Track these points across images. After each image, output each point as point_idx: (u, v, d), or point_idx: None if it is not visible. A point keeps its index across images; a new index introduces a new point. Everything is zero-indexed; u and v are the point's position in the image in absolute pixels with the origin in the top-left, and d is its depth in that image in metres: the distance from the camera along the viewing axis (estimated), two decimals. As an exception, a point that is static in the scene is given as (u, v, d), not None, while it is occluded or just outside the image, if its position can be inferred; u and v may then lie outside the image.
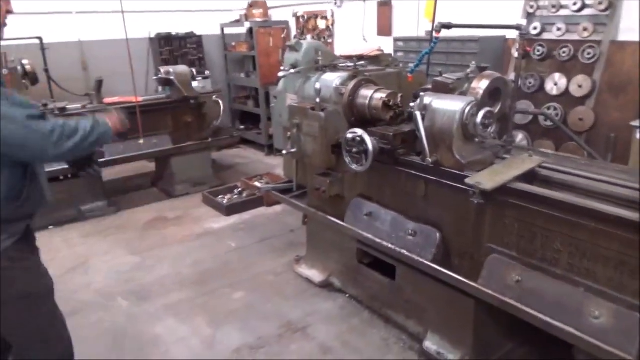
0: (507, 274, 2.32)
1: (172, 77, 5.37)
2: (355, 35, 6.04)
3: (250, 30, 7.21)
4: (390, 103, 2.90)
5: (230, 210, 4.97)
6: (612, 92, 3.82)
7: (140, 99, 5.21)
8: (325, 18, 6.52)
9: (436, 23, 2.87)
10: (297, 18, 6.98)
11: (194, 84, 5.83)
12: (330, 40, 6.52)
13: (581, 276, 2.09)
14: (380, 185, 3.00)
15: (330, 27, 6.48)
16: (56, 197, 4.68)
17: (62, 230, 4.76)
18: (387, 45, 5.03)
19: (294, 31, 7.16)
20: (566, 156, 2.87)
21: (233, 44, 7.58)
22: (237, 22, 7.43)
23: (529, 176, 2.39)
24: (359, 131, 2.73)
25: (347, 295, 3.37)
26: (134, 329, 3.13)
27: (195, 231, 4.63)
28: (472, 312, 2.54)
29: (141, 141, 5.11)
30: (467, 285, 2.40)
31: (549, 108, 3.96)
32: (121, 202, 5.34)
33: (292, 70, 3.31)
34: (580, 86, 3.81)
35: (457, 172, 2.48)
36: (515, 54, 4.16)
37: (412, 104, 2.77)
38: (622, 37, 3.74)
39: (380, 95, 2.93)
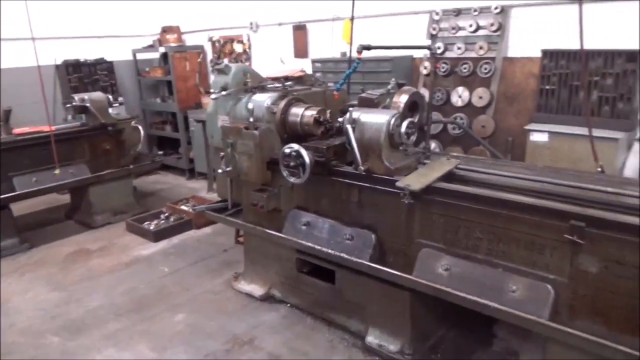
0: (437, 264, 2.60)
1: (87, 104, 5.20)
2: (273, 58, 6.26)
3: (165, 55, 7.16)
4: (321, 119, 3.12)
5: (158, 235, 4.87)
6: (507, 101, 4.38)
7: (53, 127, 4.98)
8: (241, 42, 6.67)
9: (357, 45, 3.14)
10: (213, 42, 7.06)
11: (110, 110, 5.67)
12: (247, 64, 6.67)
13: (499, 258, 2.41)
14: (316, 195, 3.19)
15: (247, 50, 6.64)
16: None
17: (-28, 271, 4.37)
18: (305, 66, 5.30)
19: (210, 55, 7.23)
20: (476, 158, 3.26)
21: (147, 69, 7.46)
22: (151, 47, 7.34)
23: (449, 176, 2.71)
24: (295, 146, 2.91)
25: (289, 305, 3.48)
26: (72, 363, 2.99)
27: (123, 260, 4.49)
28: (408, 304, 2.78)
29: (57, 171, 4.90)
30: (403, 279, 2.64)
31: (455, 118, 4.42)
32: (35, 238, 5.01)
33: (224, 93, 3.41)
34: (480, 97, 4.31)
35: (387, 177, 2.73)
36: (424, 71, 4.63)
37: (340, 119, 3.01)
38: (512, 53, 4.32)
39: (311, 113, 3.14)
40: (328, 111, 3.19)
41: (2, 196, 4.58)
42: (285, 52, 6.16)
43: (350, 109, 2.88)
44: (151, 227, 4.98)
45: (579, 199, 2.28)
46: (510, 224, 2.34)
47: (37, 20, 6.45)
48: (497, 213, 2.37)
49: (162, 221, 5.16)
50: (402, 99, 3.00)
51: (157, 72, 7.28)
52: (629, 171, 3.79)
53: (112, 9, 7.32)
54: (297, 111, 3.22)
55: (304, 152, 2.88)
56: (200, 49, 7.19)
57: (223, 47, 6.94)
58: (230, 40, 6.81)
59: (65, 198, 5.85)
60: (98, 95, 5.39)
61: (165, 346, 3.13)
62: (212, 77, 7.24)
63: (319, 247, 3.02)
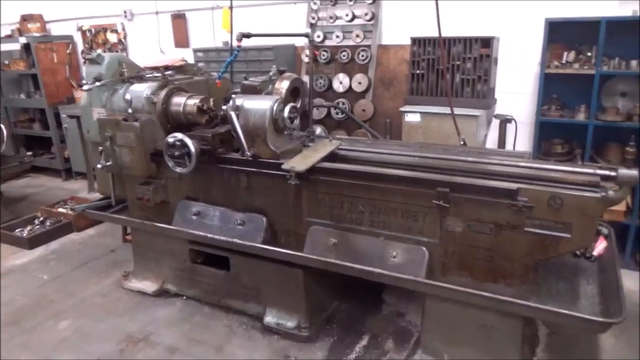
0: (325, 239, 2.75)
1: None
2: (152, 47, 5.99)
3: (27, 46, 6.49)
4: (204, 107, 3.09)
5: (33, 242, 4.47)
6: (384, 86, 4.68)
7: None
8: (115, 31, 6.29)
9: (236, 33, 3.15)
10: (84, 32, 6.56)
11: (-36, 108, 5.05)
12: (124, 54, 6.31)
13: (380, 228, 2.62)
14: (205, 184, 3.17)
15: (123, 40, 6.28)
16: None
17: None
18: (186, 57, 5.16)
19: (80, 46, 6.71)
20: (357, 139, 3.47)
21: (6, 62, 6.71)
22: (9, 38, 6.61)
23: (332, 156, 2.86)
24: (179, 135, 2.86)
25: (185, 297, 3.43)
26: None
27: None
28: (302, 280, 2.89)
29: None
30: (294, 257, 2.75)
31: (338, 103, 4.62)
32: None
33: (98, 84, 3.22)
34: (359, 83, 4.56)
35: (274, 161, 2.81)
36: (306, 59, 4.76)
37: (224, 107, 3.02)
38: (385, 41, 4.63)
39: (194, 101, 3.10)
40: (211, 99, 3.17)
41: None
42: (165, 42, 5.94)
43: (234, 96, 2.90)
44: (24, 234, 4.56)
45: (444, 169, 2.55)
46: (387, 196, 2.55)
47: None
48: (375, 187, 2.57)
49: (37, 226, 4.74)
50: (283, 85, 3.09)
51: (18, 65, 6.58)
52: (490, 143, 4.30)
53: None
54: (179, 100, 3.15)
55: (188, 141, 2.84)
56: (69, 39, 6.64)
57: (95, 37, 6.48)
58: (104, 29, 6.38)
59: None
60: (-54, 91, 4.76)
61: (49, 355, 2.92)
62: (84, 69, 6.75)
63: (211, 236, 3.02)
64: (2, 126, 5.12)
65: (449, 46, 4.04)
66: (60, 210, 4.98)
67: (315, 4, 4.80)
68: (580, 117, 3.77)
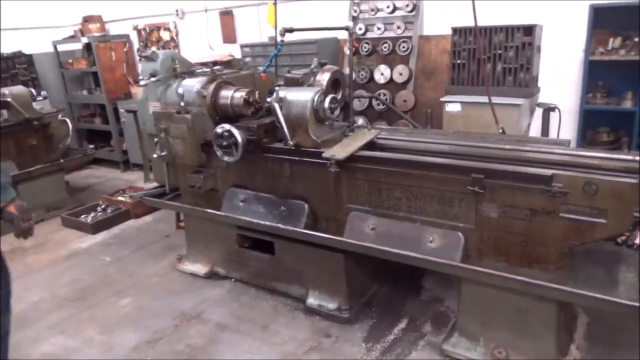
0: (364, 225, 2.87)
1: (8, 99, 5.03)
2: (201, 44, 6.28)
3: (88, 46, 6.96)
4: (250, 100, 3.27)
5: (96, 227, 4.85)
6: (425, 76, 4.72)
7: (-28, 124, 4.79)
8: (168, 29, 6.63)
9: (280, 28, 3.31)
10: (139, 31, 6.95)
11: (34, 105, 5.50)
12: (176, 51, 6.64)
13: (417, 214, 2.72)
14: (251, 173, 3.36)
15: (175, 37, 6.61)
16: None
17: None
18: (234, 52, 5.39)
19: (136, 44, 7.11)
20: (396, 128, 3.56)
21: (70, 61, 7.22)
22: (72, 38, 7.10)
23: (370, 145, 2.96)
24: (227, 126, 3.06)
25: (233, 280, 3.65)
26: (19, 353, 3.01)
27: (62, 253, 4.45)
28: (342, 264, 3.03)
29: (-19, 170, 4.71)
30: (335, 241, 2.89)
31: (379, 94, 4.71)
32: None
33: (153, 79, 3.47)
34: (401, 74, 4.63)
35: (315, 150, 2.95)
36: (347, 51, 4.86)
37: (269, 99, 3.19)
38: (426, 31, 4.66)
39: (241, 94, 3.29)
40: (257, 92, 3.35)
41: None
42: (213, 38, 6.21)
43: (277, 88, 3.06)
44: (88, 220, 4.95)
45: (480, 156, 2.60)
46: (423, 182, 2.64)
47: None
48: (411, 173, 2.66)
49: (100, 213, 5.12)
50: (324, 77, 3.22)
51: (81, 63, 7.06)
52: (534, 132, 4.26)
53: (27, -1, 6.99)
54: (226, 93, 3.35)
55: (235, 132, 3.03)
56: (126, 38, 7.05)
57: (149, 36, 6.85)
58: (157, 28, 6.74)
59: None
60: (20, 89, 5.22)
61: (113, 328, 3.21)
62: (140, 66, 7.15)
63: (256, 221, 3.21)
64: (68, 120, 5.55)
65: (490, 35, 4.03)
66: (120, 198, 5.35)
67: (357, -3, 4.89)
68: (627, 104, 3.69)
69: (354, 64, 4.96)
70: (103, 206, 5.25)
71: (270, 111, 3.20)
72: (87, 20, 7.02)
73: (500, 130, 3.13)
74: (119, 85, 6.94)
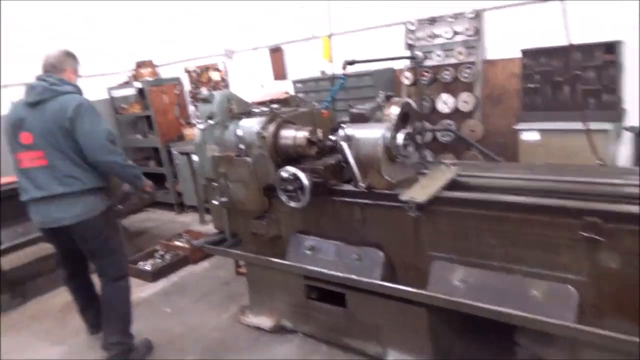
0: (451, 276, 2.54)
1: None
2: (252, 82, 6.22)
3: (141, 90, 7.07)
4: (313, 139, 3.06)
5: (156, 275, 4.72)
6: (492, 103, 4.40)
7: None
8: (217, 70, 6.63)
9: (342, 61, 3.11)
10: (189, 73, 7.00)
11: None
12: (232, 91, 6.61)
13: (515, 263, 2.36)
14: (317, 218, 3.11)
15: (225, 77, 6.60)
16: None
17: (-38, 334, 4.16)
18: (285, 89, 5.28)
19: (187, 86, 7.17)
20: (473, 163, 3.23)
21: (124, 106, 7.35)
22: (126, 84, 7.25)
23: (452, 184, 2.66)
24: (292, 169, 2.84)
25: (302, 334, 3.37)
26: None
27: (122, 305, 4.32)
28: (426, 320, 2.70)
29: (43, 220, 4.72)
30: (419, 295, 2.57)
31: (443, 125, 4.41)
32: (26, 292, 4.82)
33: (211, 122, 3.33)
34: (466, 102, 4.33)
35: (389, 192, 2.68)
36: (406, 82, 4.62)
37: (333, 137, 2.98)
38: (491, 55, 4.35)
39: (303, 133, 3.08)
40: (320, 130, 3.14)
41: (-14, 252, 4.42)
42: (263, 75, 6.13)
43: (343, 125, 2.84)
44: (147, 267, 4.84)
45: (588, 194, 2.25)
46: (521, 227, 2.30)
47: (5, 66, 6.41)
48: (507, 217, 2.33)
49: (158, 260, 5.01)
50: (393, 111, 2.96)
51: (135, 108, 7.17)
52: (623, 161, 3.82)
53: (85, 48, 7.19)
54: (288, 133, 3.16)
55: (301, 175, 2.81)
56: (177, 81, 7.12)
57: (200, 77, 6.89)
58: (207, 69, 6.77)
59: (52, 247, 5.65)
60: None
61: (177, 392, 2.99)
62: (191, 108, 7.20)
63: (326, 271, 2.94)
64: (124, 166, 5.54)
65: (566, 55, 3.69)
66: (177, 243, 5.24)
67: (412, 24, 4.67)
68: None
69: (413, 94, 4.70)
70: (161, 252, 5.14)
71: (334, 150, 2.99)
72: (139, 65, 7.16)
73: (599, 162, 2.75)
74: (171, 128, 6.97)
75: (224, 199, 3.29)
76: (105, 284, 3.37)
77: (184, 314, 3.97)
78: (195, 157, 5.99)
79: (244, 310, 3.73)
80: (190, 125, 7.02)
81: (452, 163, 3.05)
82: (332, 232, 3.07)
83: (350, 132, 2.78)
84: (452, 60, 4.45)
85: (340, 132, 2.84)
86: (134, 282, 4.71)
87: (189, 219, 6.70)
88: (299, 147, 3.11)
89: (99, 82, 7.44)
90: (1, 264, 4.67)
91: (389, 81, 4.89)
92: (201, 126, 3.33)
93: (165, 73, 7.37)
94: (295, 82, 5.34)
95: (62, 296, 4.65)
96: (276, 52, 5.88)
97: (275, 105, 3.62)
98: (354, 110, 3.07)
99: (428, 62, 4.60)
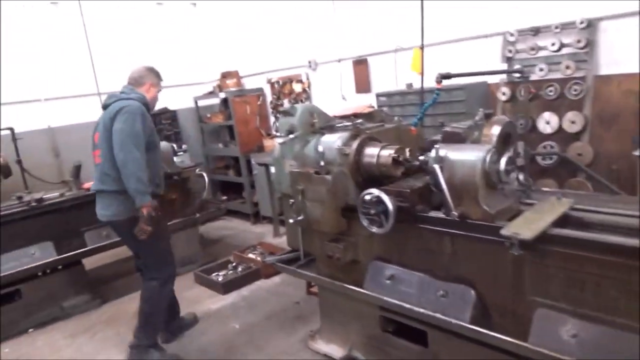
0: (560, 328, 2.14)
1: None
2: (333, 95, 6.06)
3: (225, 100, 7.19)
4: (400, 158, 2.80)
5: (227, 287, 4.66)
6: (603, 124, 3.87)
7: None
8: (300, 82, 6.56)
9: (436, 74, 2.83)
10: (272, 84, 7.01)
11: (175, 159, 5.66)
12: (314, 104, 6.52)
13: (646, 322, 1.93)
14: (400, 245, 2.83)
15: (307, 89, 6.51)
16: (34, 295, 4.36)
17: (44, 332, 4.33)
18: (368, 102, 5.05)
19: (269, 97, 7.18)
20: (587, 194, 2.80)
21: (208, 115, 7.52)
22: (211, 94, 7.41)
23: (564, 220, 2.28)
24: (375, 191, 2.59)
25: (374, 369, 3.09)
26: None
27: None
28: (524, 375, 2.31)
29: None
30: (518, 347, 2.19)
31: (544, 147, 3.95)
32: (105, 293, 4.96)
33: (291, 136, 3.18)
34: (573, 122, 3.84)
35: (488, 224, 2.35)
36: (503, 97, 4.21)
37: (421, 157, 2.70)
38: (605, 70, 3.84)
39: (389, 152, 2.83)
40: (407, 150, 2.86)
41: (74, 252, 4.58)
42: (346, 88, 5.96)
43: (437, 146, 2.54)
44: (220, 279, 4.79)
45: None
46: (658, 280, 1.88)
47: (103, 76, 6.79)
48: (636, 266, 1.91)
49: (230, 271, 4.96)
50: (494, 131, 2.63)
51: (218, 117, 7.30)
52: None
53: (175, 59, 7.46)
54: (372, 151, 2.92)
55: (386, 198, 2.55)
56: (259, 92, 7.16)
57: (282, 88, 6.86)
58: (289, 80, 6.72)
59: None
60: (163, 144, 5.34)
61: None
62: (272, 119, 7.19)
63: (408, 306, 2.64)
64: (205, 175, 5.59)
65: None
66: (250, 255, 5.17)
67: (512, 35, 4.26)
68: None
69: (508, 111, 4.28)
70: (234, 264, 5.09)
71: (422, 172, 2.71)
72: (225, 76, 7.28)
73: None
74: (252, 138, 6.99)
75: (299, 218, 3.11)
76: (142, 282, 3.59)
77: (252, 332, 3.84)
78: (272, 170, 6.00)
79: (314, 335, 3.51)
80: (270, 136, 7.00)
81: (562, 193, 2.65)
82: (415, 262, 2.78)
83: (444, 153, 2.48)
84: (558, 75, 3.98)
85: (432, 153, 2.55)
86: (206, 292, 4.72)
87: (264, 230, 6.65)
88: (383, 167, 2.86)
89: (187, 91, 7.70)
90: (84, 264, 4.84)
91: (482, 96, 4.50)
92: (281, 140, 3.18)
93: (248, 84, 7.45)
94: (379, 96, 5.10)
95: (138, 300, 4.74)
96: (360, 64, 5.69)
97: (359, 120, 3.41)
98: (447, 129, 2.78)
99: (533, 77, 4.15)
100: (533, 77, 4.14)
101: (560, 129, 3.93)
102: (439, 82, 2.86)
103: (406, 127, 3.43)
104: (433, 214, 2.62)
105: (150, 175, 3.26)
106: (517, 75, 4.11)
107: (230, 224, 7.19)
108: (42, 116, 6.43)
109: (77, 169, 4.78)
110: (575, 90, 3.84)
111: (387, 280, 2.86)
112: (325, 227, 3.03)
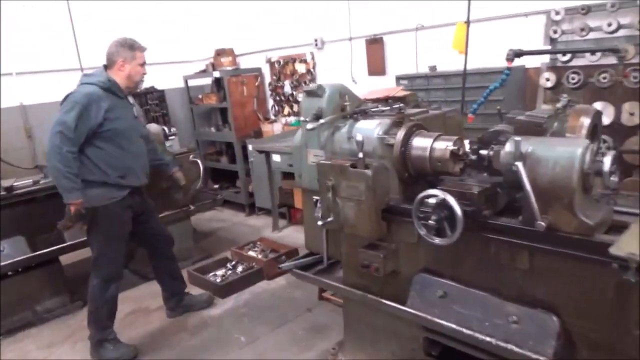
0: (685, 374, 1.69)
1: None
2: (342, 77, 5.51)
3: (218, 81, 6.58)
4: (460, 152, 2.30)
5: (226, 290, 4.13)
6: (667, 117, 3.43)
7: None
8: (304, 61, 5.98)
9: (507, 51, 2.32)
10: (272, 64, 6.41)
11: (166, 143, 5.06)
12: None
13: None
14: (456, 256, 2.34)
15: (312, 70, 5.94)
16: (4, 298, 3.76)
17: (15, 341, 3.76)
18: (383, 85, 4.55)
19: (268, 78, 6.58)
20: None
21: (200, 96, 6.88)
22: (203, 73, 6.77)
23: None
24: (440, 192, 2.09)
25: (414, 399, 2.62)
26: None
27: (190, 323, 3.76)
28: None
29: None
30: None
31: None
32: (86, 294, 4.34)
33: (322, 121, 2.64)
34: (632, 114, 3.39)
35: (584, 237, 1.87)
36: (547, 84, 3.74)
37: (483, 151, 2.21)
38: (670, 56, 3.39)
39: (446, 144, 2.32)
40: (466, 141, 2.36)
41: (50, 249, 3.98)
42: (357, 70, 5.42)
43: (518, 139, 2.04)
44: (217, 280, 4.26)
45: None
46: None
47: (85, 52, 6.10)
48: None
49: (229, 271, 4.44)
50: (583, 123, 2.15)
51: (211, 99, 6.68)
52: None
53: (162, 34, 6.78)
54: (423, 143, 2.40)
55: (453, 202, 2.05)
56: (257, 72, 6.56)
57: (283, 69, 6.28)
58: (292, 60, 6.14)
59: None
60: (155, 127, 4.76)
61: None
62: (270, 102, 6.61)
63: (470, 332, 2.17)
64: (199, 161, 5.02)
65: None
66: (251, 253, 4.65)
67: (557, 14, 3.78)
68: None
69: (549, 100, 3.81)
70: (233, 262, 4.56)
71: (477, 168, 2.24)
72: (219, 53, 6.64)
73: None
74: (248, 123, 6.42)
75: (330, 219, 2.59)
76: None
77: (261, 347, 3.35)
78: (276, 158, 5.43)
79: (337, 353, 3.03)
80: (269, 120, 6.43)
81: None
82: (476, 278, 2.29)
83: (528, 148, 1.99)
84: (612, 60, 3.52)
85: (509, 147, 2.05)
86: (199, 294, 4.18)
87: (260, 223, 6.13)
88: (437, 162, 2.35)
89: (176, 69, 7.05)
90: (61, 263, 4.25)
91: (518, 82, 4.03)
92: (310, 126, 2.63)
93: (245, 63, 6.82)
94: (399, 79, 4.58)
95: (123, 302, 4.15)
96: (374, 44, 5.15)
97: (398, 105, 2.89)
98: (522, 118, 2.28)
99: (576, 62, 3.69)
100: (582, 62, 3.69)
101: (615, 121, 3.48)
102: (510, 59, 2.37)
103: (452, 115, 2.93)
104: (506, 221, 2.13)
105: (108, 165, 3.14)
106: (565, 59, 3.65)
107: (222, 215, 6.63)
108: (14, 92, 5.72)
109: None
110: (635, 77, 3.38)
111: (439, 298, 2.38)
112: (363, 232, 2.51)
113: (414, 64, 4.80)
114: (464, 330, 2.20)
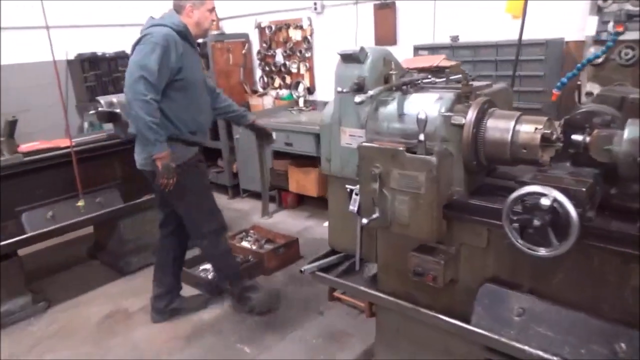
0: None
1: (117, 110, 3.89)
2: (344, 46, 4.92)
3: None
4: (553, 137, 1.83)
5: (220, 288, 3.58)
6: None
7: (73, 141, 3.70)
8: (300, 28, 5.36)
9: (616, 11, 1.85)
10: (262, 29, 5.74)
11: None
12: (308, 55, 5.36)
13: None
14: (538, 265, 1.89)
15: (309, 37, 5.33)
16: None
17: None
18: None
19: (256, 45, 5.92)
20: None
21: (178, 63, 6.14)
22: (182, 36, 6.02)
23: None
24: (550, 190, 1.61)
25: None
26: None
27: (181, 329, 3.22)
28: None
29: (80, 203, 3.62)
30: None
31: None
32: (52, 291, 3.74)
33: (371, 92, 2.09)
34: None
35: None
36: (599, 60, 3.31)
37: (576, 137, 1.77)
38: None
39: (533, 127, 1.84)
40: (558, 124, 1.90)
41: (7, 241, 3.31)
42: (362, 38, 4.86)
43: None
44: (209, 275, 3.71)
45: None
46: None
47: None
48: None
49: (222, 265, 3.87)
50: None
51: (191, 66, 5.96)
52: None
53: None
54: (503, 124, 1.92)
55: (567, 203, 1.58)
56: (245, 38, 5.88)
57: (275, 35, 5.63)
58: (286, 25, 5.49)
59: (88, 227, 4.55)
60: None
61: None
62: (259, 73, 5.98)
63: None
64: (183, 138, 4.39)
65: None
66: (244, 244, 4.11)
67: (605, -21, 3.34)
68: None
69: (593, 78, 3.41)
70: (225, 254, 3.99)
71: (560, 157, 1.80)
72: (200, 16, 5.90)
73: None
74: (233, 94, 5.72)
75: (375, 216, 2.08)
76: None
77: (270, 357, 2.83)
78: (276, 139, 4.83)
79: (366, 370, 2.57)
80: (257, 93, 5.81)
81: None
82: (567, 293, 1.86)
83: (658, 132, 1.54)
84: (671, 35, 3.12)
85: (627, 133, 1.60)
86: (191, 292, 3.64)
87: (247, 207, 5.57)
88: (523, 148, 1.87)
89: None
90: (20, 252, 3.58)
91: (556, 56, 3.60)
92: (358, 98, 2.07)
93: (230, 28, 6.11)
94: (418, 49, 4.05)
95: (97, 303, 3.58)
96: (384, 9, 4.59)
97: (456, 76, 2.38)
98: (633, 97, 1.82)
99: (629, 35, 3.27)
100: (632, 36, 3.27)
101: (673, 104, 3.10)
102: (622, 22, 1.90)
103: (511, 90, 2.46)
104: (616, 225, 1.69)
105: (180, 119, 2.83)
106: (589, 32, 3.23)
107: (203, 197, 6.00)
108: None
109: (12, 126, 3.42)
110: (701, 54, 3.00)
111: (516, 317, 1.93)
112: (419, 232, 2.02)
113: (431, 34, 4.29)
114: (554, 359, 1.77)
